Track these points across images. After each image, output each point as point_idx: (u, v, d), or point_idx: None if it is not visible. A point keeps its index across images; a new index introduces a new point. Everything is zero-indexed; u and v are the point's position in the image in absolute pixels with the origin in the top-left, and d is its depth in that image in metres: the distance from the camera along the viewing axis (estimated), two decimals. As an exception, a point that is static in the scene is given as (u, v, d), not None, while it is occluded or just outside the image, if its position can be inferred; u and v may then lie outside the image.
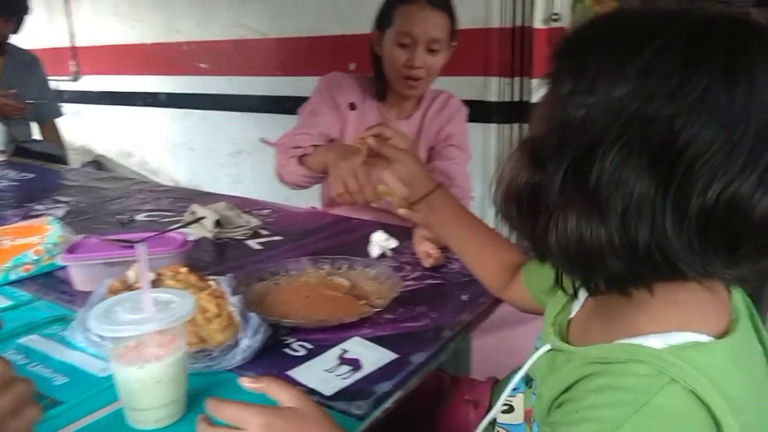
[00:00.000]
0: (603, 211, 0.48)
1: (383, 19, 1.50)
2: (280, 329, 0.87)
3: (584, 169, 0.48)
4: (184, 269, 0.89)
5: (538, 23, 2.41)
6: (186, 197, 1.71)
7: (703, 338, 0.51)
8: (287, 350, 0.83)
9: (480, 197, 2.37)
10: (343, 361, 0.80)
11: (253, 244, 1.30)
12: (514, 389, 0.72)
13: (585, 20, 0.54)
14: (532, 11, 2.39)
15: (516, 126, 2.58)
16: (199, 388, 0.73)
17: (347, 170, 1.12)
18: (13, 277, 1.08)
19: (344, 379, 0.76)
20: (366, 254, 1.19)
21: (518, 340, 1.29)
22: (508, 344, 1.28)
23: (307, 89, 1.66)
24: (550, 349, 0.63)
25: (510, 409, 0.79)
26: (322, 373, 0.77)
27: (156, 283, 0.86)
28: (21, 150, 2.59)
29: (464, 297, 1.00)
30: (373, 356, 0.81)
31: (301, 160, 1.43)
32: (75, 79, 4.40)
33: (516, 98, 2.51)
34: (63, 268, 1.08)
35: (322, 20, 3.02)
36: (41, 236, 1.12)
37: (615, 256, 0.48)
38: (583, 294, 0.62)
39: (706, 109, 0.44)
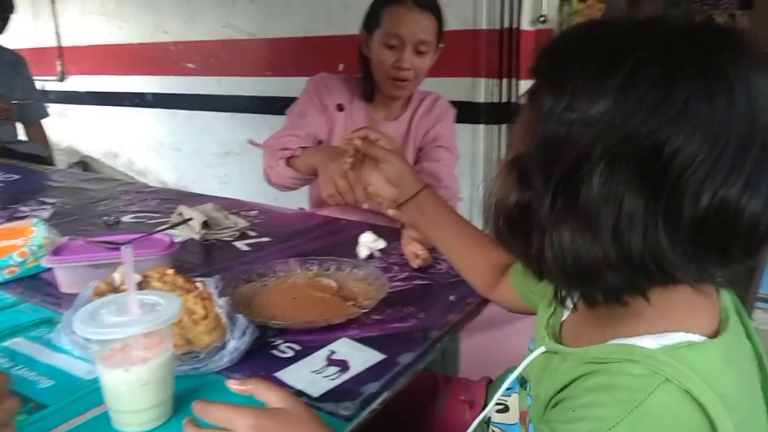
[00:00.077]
0: (595, 226, 0.48)
1: (371, 21, 1.50)
2: (268, 331, 0.87)
3: (573, 185, 0.49)
4: (170, 271, 0.89)
5: (525, 25, 2.42)
6: (173, 198, 1.70)
7: (696, 338, 0.52)
8: (275, 352, 0.83)
9: (468, 198, 2.38)
10: (331, 362, 0.80)
11: (240, 245, 1.30)
12: (509, 389, 0.73)
13: (559, 34, 0.55)
14: (520, 13, 2.40)
15: (504, 127, 2.59)
16: (186, 390, 0.72)
17: (337, 171, 1.12)
18: (-3, 279, 1.07)
19: (332, 380, 0.76)
20: (354, 255, 1.19)
21: (506, 340, 1.29)
22: (496, 344, 1.29)
23: (295, 90, 1.66)
24: (545, 351, 0.63)
25: (505, 409, 0.80)
26: (310, 375, 0.77)
27: (142, 285, 0.85)
28: (6, 151, 2.57)
29: (452, 297, 1.00)
30: (360, 357, 0.81)
31: (289, 161, 1.43)
32: (61, 79, 4.36)
33: (504, 99, 2.52)
34: (48, 270, 1.07)
35: (311, 21, 3.01)
36: (26, 238, 1.11)
37: (612, 269, 0.49)
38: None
39: (689, 121, 0.45)
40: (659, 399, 0.48)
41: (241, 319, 0.82)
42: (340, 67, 2.71)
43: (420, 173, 1.54)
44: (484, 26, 2.46)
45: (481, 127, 2.58)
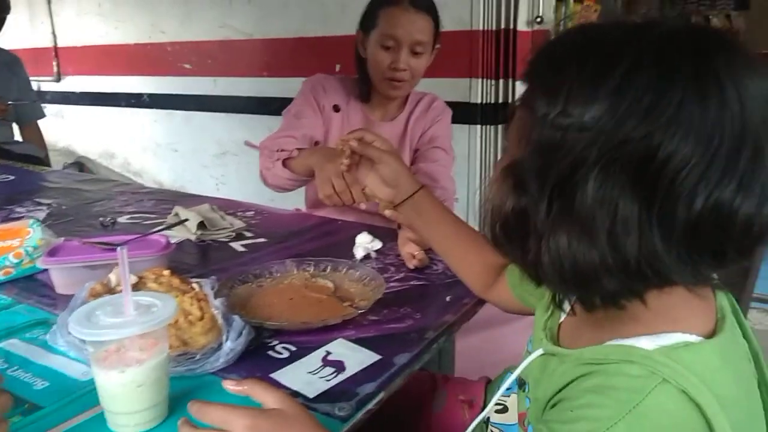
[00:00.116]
0: (591, 231, 0.48)
1: (367, 21, 1.50)
2: (264, 332, 0.87)
3: (568, 190, 0.49)
4: (166, 272, 0.89)
5: (522, 25, 2.43)
6: (169, 199, 1.70)
7: (693, 338, 0.52)
8: (271, 353, 0.83)
9: (464, 199, 2.39)
10: (327, 362, 0.80)
11: (237, 246, 1.30)
12: (508, 389, 0.73)
13: (551, 39, 0.55)
14: (516, 14, 2.41)
15: (501, 128, 2.60)
16: (182, 392, 0.72)
17: (334, 172, 1.12)
18: (-8, 280, 1.07)
19: (328, 380, 0.76)
20: (350, 256, 1.19)
21: (502, 340, 1.30)
22: (492, 344, 1.29)
23: (292, 90, 1.66)
24: (543, 354, 0.63)
25: (504, 409, 0.80)
26: (306, 375, 0.77)
27: (138, 286, 0.85)
28: (2, 152, 2.56)
29: (448, 298, 1.00)
30: (356, 358, 0.81)
31: (286, 163, 1.43)
32: (57, 80, 4.35)
33: (501, 100, 2.53)
34: (44, 271, 1.07)
35: (308, 21, 3.01)
36: (22, 239, 1.10)
37: (609, 274, 0.49)
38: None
39: (682, 125, 0.45)
40: (657, 399, 0.48)
41: (237, 320, 0.82)
42: (337, 67, 2.71)
43: (416, 174, 1.53)
44: (480, 27, 2.46)
45: (478, 127, 2.59)
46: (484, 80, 2.52)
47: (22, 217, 1.48)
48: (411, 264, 1.13)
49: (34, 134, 2.87)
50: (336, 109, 1.60)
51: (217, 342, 0.79)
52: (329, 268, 1.09)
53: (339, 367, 0.79)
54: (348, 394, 0.73)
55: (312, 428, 0.61)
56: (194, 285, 0.87)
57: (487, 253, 0.92)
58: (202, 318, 0.80)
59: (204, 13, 3.40)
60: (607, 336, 0.56)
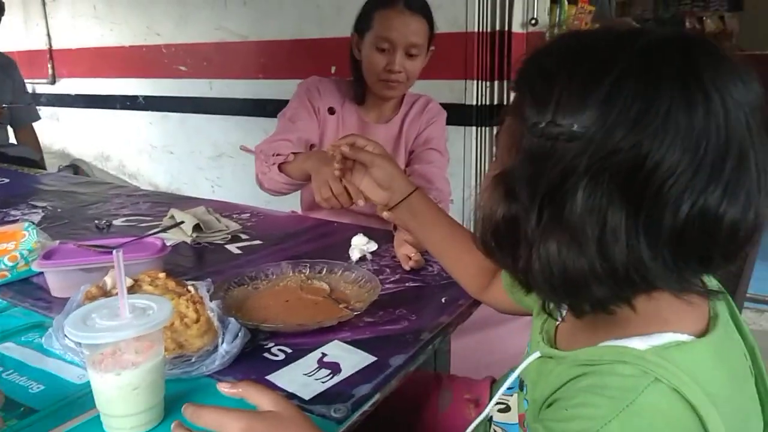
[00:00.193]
0: (581, 240, 0.49)
1: (362, 23, 1.51)
2: (260, 334, 0.87)
3: (558, 199, 0.50)
4: (162, 274, 0.89)
5: (516, 27, 2.44)
6: (165, 202, 1.70)
7: (685, 338, 0.53)
8: (266, 355, 0.83)
9: (459, 200, 2.39)
10: (323, 364, 0.80)
11: (232, 248, 1.30)
12: (510, 388, 0.73)
13: (541, 47, 0.55)
14: (511, 15, 2.41)
15: (496, 129, 2.59)
16: (178, 394, 0.72)
17: (330, 175, 1.12)
18: (-13, 283, 1.06)
19: (323, 382, 0.76)
20: (346, 258, 1.19)
21: (498, 341, 1.30)
22: (487, 345, 1.29)
23: (288, 92, 1.66)
24: (540, 357, 0.64)
25: (506, 409, 0.81)
26: (302, 377, 0.77)
27: (134, 289, 0.85)
28: (-3, 154, 2.56)
29: (443, 299, 1.00)
30: (352, 359, 0.81)
31: (281, 167, 1.43)
32: (52, 82, 4.34)
33: (496, 102, 2.53)
34: (39, 274, 1.07)
35: (303, 23, 3.01)
36: (17, 242, 1.10)
37: (598, 281, 0.50)
38: None
39: (669, 133, 0.46)
40: (649, 398, 0.49)
41: (233, 323, 0.82)
42: (332, 69, 2.71)
43: (411, 175, 1.54)
44: (475, 29, 2.47)
45: (473, 129, 2.59)
46: (479, 82, 2.52)
47: (17, 220, 1.48)
48: (407, 265, 1.13)
49: (29, 137, 2.87)
50: (331, 111, 1.60)
51: (213, 344, 0.79)
52: (325, 270, 1.09)
53: (335, 368, 0.79)
54: (344, 395, 0.73)
55: (307, 430, 0.61)
56: (190, 287, 0.87)
57: (482, 255, 0.93)
58: (197, 320, 0.80)
59: (199, 15, 3.40)
60: (601, 337, 0.56)
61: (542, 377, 0.62)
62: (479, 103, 2.54)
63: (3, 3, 2.65)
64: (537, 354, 0.64)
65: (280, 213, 1.63)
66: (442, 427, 0.97)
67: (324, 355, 0.83)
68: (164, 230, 1.30)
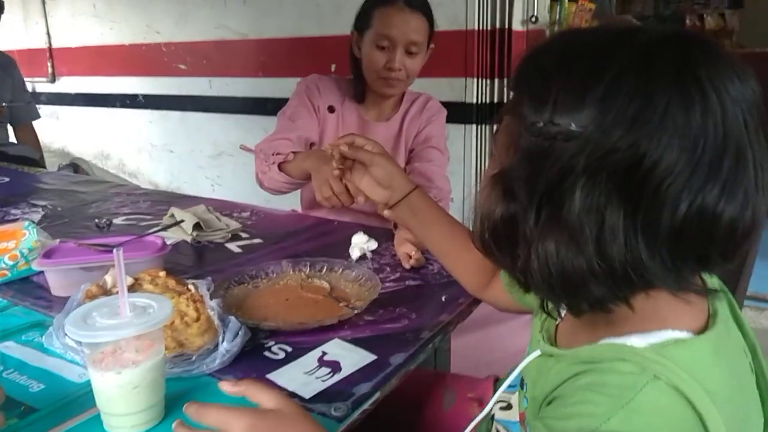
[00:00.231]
0: (579, 239, 0.49)
1: (362, 21, 1.51)
2: (260, 332, 0.87)
3: (556, 198, 0.50)
4: (162, 273, 0.89)
5: (517, 25, 2.43)
6: (165, 200, 1.70)
7: (684, 335, 0.53)
8: (267, 353, 0.83)
9: (459, 199, 2.39)
10: (323, 363, 0.80)
11: (232, 247, 1.30)
12: (512, 386, 0.74)
13: (538, 46, 0.55)
14: (511, 13, 2.41)
15: (496, 127, 2.59)
16: (178, 393, 0.72)
17: (330, 173, 1.12)
18: (-12, 282, 1.06)
19: (324, 381, 0.76)
20: (346, 256, 1.19)
21: (498, 339, 1.30)
22: (487, 343, 1.30)
23: (288, 91, 1.66)
24: (540, 355, 0.64)
25: (508, 407, 0.81)
26: (302, 376, 0.77)
27: (134, 288, 0.85)
28: (-4, 153, 2.56)
29: (443, 298, 1.01)
30: (352, 358, 0.81)
31: (281, 166, 1.42)
32: (52, 81, 4.34)
33: (496, 99, 2.53)
34: (40, 273, 1.07)
35: (303, 21, 3.01)
36: (17, 241, 1.10)
37: (596, 280, 0.50)
38: None
39: (667, 132, 0.46)
40: (649, 396, 0.49)
41: (233, 321, 0.82)
42: (332, 67, 2.71)
43: (411, 174, 1.54)
44: (475, 27, 2.47)
45: (473, 127, 2.59)
46: (479, 80, 2.52)
47: (18, 219, 1.48)
48: (407, 264, 1.13)
49: (28, 135, 2.87)
50: (331, 109, 1.60)
51: (213, 343, 0.79)
52: (325, 268, 1.09)
53: (335, 367, 0.79)
54: (344, 394, 0.73)
55: (309, 428, 0.61)
56: (190, 286, 0.87)
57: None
58: (198, 319, 0.80)
59: (199, 13, 3.40)
60: (601, 335, 0.57)
61: (542, 375, 0.63)
62: (479, 101, 2.54)
63: (2, 1, 2.65)
64: (537, 352, 0.64)
65: (280, 211, 1.63)
66: (446, 426, 0.98)
67: (324, 353, 0.83)
68: (164, 229, 1.30)
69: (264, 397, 0.63)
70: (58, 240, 1.13)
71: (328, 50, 2.79)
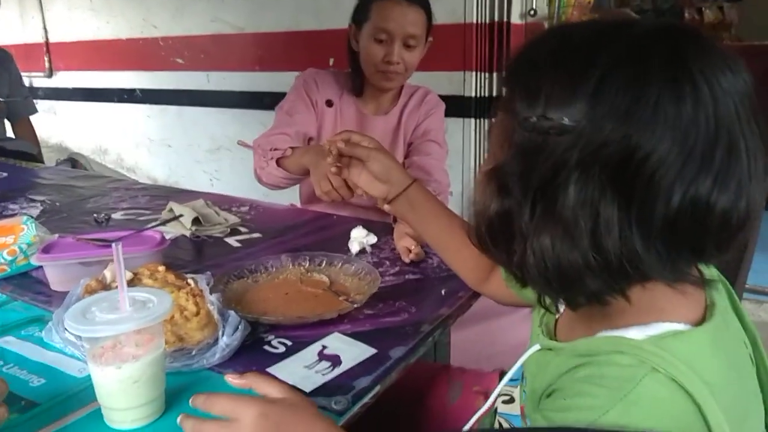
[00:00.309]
0: (574, 232, 0.49)
1: (360, 14, 1.50)
2: (260, 327, 0.87)
3: (551, 193, 0.50)
4: (161, 268, 0.89)
5: (515, 18, 2.43)
6: (163, 195, 1.69)
7: (681, 327, 0.53)
8: (267, 347, 0.83)
9: (458, 192, 2.39)
10: (323, 357, 0.81)
11: (231, 241, 1.30)
12: (514, 380, 0.74)
13: (529, 42, 0.56)
14: (510, 6, 2.40)
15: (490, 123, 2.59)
16: (178, 387, 0.72)
17: (330, 168, 1.12)
18: (-13, 278, 1.06)
19: (324, 375, 0.76)
20: (346, 250, 1.19)
21: (498, 332, 1.31)
22: (487, 337, 1.30)
23: (285, 85, 1.66)
24: (540, 349, 0.64)
25: (510, 400, 0.81)
26: (302, 370, 0.77)
27: (133, 282, 0.85)
28: (-6, 148, 2.55)
29: (443, 291, 1.01)
30: (352, 352, 0.81)
31: (280, 162, 1.42)
32: (49, 76, 4.32)
33: (495, 93, 2.53)
34: (39, 268, 1.07)
35: (300, 15, 3.00)
36: (16, 236, 1.10)
37: (592, 274, 0.50)
38: None
39: (659, 124, 0.46)
40: (647, 388, 0.49)
41: (233, 315, 0.82)
42: (330, 61, 2.70)
43: (410, 167, 1.54)
44: (473, 20, 2.46)
45: (472, 121, 2.59)
46: (478, 73, 2.51)
47: (16, 214, 1.48)
48: (407, 258, 1.13)
49: (26, 130, 2.86)
50: (329, 103, 1.59)
51: (213, 337, 0.79)
52: (324, 262, 1.09)
53: (335, 361, 0.79)
54: (344, 387, 0.73)
55: (315, 416, 0.62)
56: (189, 281, 0.87)
57: None
58: (197, 313, 0.80)
59: (195, 7, 3.38)
60: (598, 328, 0.57)
61: (541, 369, 0.63)
62: (478, 95, 2.54)
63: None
64: (537, 347, 0.64)
65: (279, 206, 1.63)
66: (451, 419, 0.98)
67: (324, 347, 0.83)
68: (163, 223, 1.30)
69: (270, 389, 0.63)
70: (56, 235, 1.12)
71: (326, 44, 2.78)
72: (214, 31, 3.35)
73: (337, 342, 0.84)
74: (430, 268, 1.11)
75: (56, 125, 4.39)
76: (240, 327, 0.81)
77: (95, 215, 1.48)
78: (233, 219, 1.39)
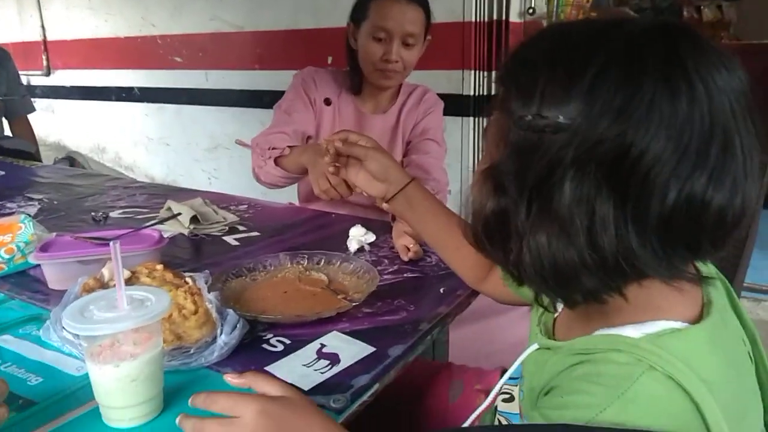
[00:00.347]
0: (570, 231, 0.49)
1: (358, 13, 1.50)
2: (258, 325, 0.87)
3: (546, 191, 0.50)
4: (159, 266, 0.89)
5: (514, 17, 2.43)
6: (161, 193, 1.69)
7: (678, 325, 0.53)
8: (265, 346, 0.83)
9: (457, 191, 2.39)
10: (322, 355, 0.80)
11: (230, 240, 1.30)
12: (514, 378, 0.74)
13: (524, 40, 0.56)
14: (508, 5, 2.40)
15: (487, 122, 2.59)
16: (176, 386, 0.72)
17: (328, 167, 1.12)
18: (-16, 276, 1.06)
19: (322, 373, 0.76)
20: (344, 249, 1.19)
21: (497, 331, 1.31)
22: (485, 335, 1.30)
23: (284, 83, 1.65)
24: (538, 348, 0.64)
25: (510, 398, 0.81)
26: (301, 368, 0.77)
27: (131, 281, 0.85)
28: (-9, 147, 2.54)
29: (441, 289, 1.01)
30: (351, 350, 0.81)
31: (278, 161, 1.42)
32: (47, 74, 4.32)
33: (493, 92, 2.52)
34: (36, 266, 1.07)
35: (299, 13, 3.00)
36: (13, 234, 1.10)
37: (588, 272, 0.50)
38: None
39: (653, 122, 0.46)
40: (644, 386, 0.49)
41: (231, 314, 0.82)
42: (329, 60, 2.70)
43: (409, 166, 1.54)
44: (472, 18, 2.46)
45: (470, 119, 2.59)
46: (477, 72, 2.51)
47: (13, 212, 1.47)
48: (405, 256, 1.13)
49: (24, 129, 2.85)
50: (327, 102, 1.59)
51: (212, 336, 0.79)
52: (323, 261, 1.09)
53: (333, 359, 0.79)
54: (343, 386, 0.73)
55: (315, 413, 0.62)
56: (188, 279, 0.87)
57: None
58: (196, 312, 0.80)
59: (194, 5, 3.38)
60: (596, 326, 0.57)
61: (539, 367, 0.63)
62: (476, 94, 2.54)
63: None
64: (535, 346, 0.64)
65: (278, 204, 1.63)
66: (452, 417, 0.98)
67: (323, 345, 0.83)
68: (161, 222, 1.30)
69: (269, 387, 0.63)
70: (54, 233, 1.12)
71: (325, 42, 2.78)
72: (212, 30, 3.34)
73: (335, 340, 0.84)
74: (428, 266, 1.11)
75: (54, 124, 4.38)
76: (238, 325, 0.81)
77: (93, 214, 1.48)
78: (231, 217, 1.39)
